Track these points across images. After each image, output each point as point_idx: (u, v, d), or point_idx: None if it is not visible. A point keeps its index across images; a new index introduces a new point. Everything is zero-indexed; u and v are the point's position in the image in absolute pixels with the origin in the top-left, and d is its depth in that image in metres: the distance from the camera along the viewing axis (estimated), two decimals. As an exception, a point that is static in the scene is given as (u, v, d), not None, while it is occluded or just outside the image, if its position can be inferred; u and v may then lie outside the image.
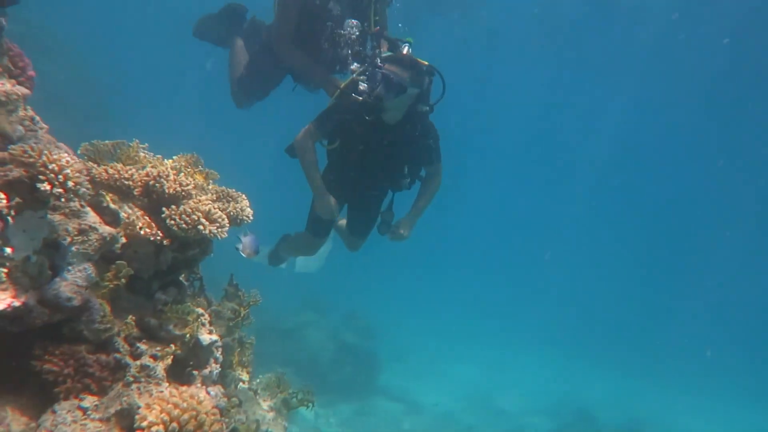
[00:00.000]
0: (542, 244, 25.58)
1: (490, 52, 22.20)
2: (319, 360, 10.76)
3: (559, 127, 28.44)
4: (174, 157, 3.55)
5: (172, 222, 2.38)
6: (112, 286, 2.32)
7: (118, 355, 2.19)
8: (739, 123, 22.46)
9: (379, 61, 3.88)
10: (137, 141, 3.18)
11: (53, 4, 12.71)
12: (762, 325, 23.06)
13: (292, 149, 4.32)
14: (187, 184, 2.52)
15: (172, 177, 2.51)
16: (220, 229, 2.49)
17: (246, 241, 3.06)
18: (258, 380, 4.01)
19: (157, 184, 2.43)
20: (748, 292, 25.54)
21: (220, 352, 2.67)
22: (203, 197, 2.63)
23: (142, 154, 3.21)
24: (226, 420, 3.25)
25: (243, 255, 3.13)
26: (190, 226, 2.39)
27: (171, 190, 2.44)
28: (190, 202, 2.51)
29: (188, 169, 3.40)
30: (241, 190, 3.10)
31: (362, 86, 4.01)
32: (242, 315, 3.47)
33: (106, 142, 3.11)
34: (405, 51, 4.04)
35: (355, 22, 4.50)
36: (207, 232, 2.44)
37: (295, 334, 11.32)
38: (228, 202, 2.76)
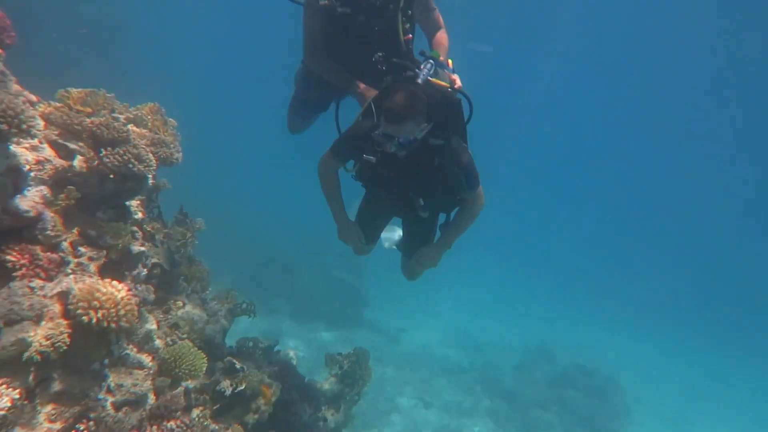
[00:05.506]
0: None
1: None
2: (311, 292, 11.78)
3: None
4: (139, 105, 4.34)
5: (108, 160, 3.15)
6: (64, 204, 3.14)
7: (63, 254, 3.02)
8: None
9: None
10: (105, 91, 3.97)
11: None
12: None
13: None
14: (125, 131, 3.28)
15: (114, 126, 3.27)
16: (148, 168, 3.26)
17: None
18: (210, 291, 4.89)
19: (98, 130, 3.19)
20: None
21: (149, 260, 3.50)
22: (139, 142, 3.39)
23: (107, 101, 3.99)
24: (170, 316, 4.15)
25: None
26: (121, 164, 3.17)
27: (110, 136, 3.20)
28: (127, 146, 3.27)
29: (150, 116, 4.19)
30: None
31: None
32: (187, 237, 4.32)
33: (80, 90, 3.90)
34: (425, 71, 3.48)
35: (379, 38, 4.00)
36: (136, 170, 3.21)
37: (292, 268, 12.35)
38: (161, 147, 3.51)
